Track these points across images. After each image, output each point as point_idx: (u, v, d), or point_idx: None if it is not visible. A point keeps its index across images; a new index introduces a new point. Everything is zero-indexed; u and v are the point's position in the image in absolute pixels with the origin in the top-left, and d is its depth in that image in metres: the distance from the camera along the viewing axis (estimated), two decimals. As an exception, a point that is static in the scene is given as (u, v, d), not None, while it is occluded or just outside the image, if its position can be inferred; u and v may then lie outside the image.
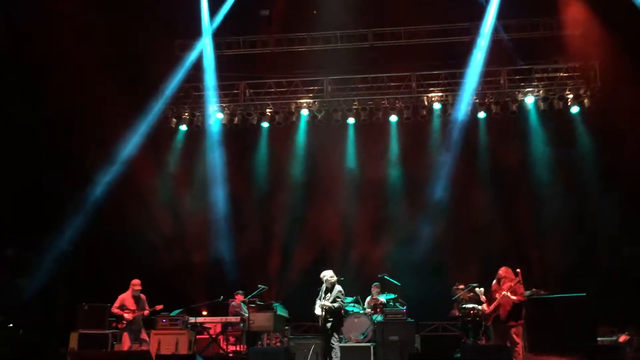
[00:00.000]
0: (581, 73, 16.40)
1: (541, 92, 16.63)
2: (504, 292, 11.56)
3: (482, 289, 12.43)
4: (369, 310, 14.42)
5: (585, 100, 16.26)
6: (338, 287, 11.89)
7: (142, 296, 12.87)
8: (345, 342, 13.44)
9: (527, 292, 11.83)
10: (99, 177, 15.94)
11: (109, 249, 16.00)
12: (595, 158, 16.02)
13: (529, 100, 16.70)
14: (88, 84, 14.42)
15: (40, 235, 15.21)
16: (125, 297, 12.74)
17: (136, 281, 12.87)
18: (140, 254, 16.07)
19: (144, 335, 12.74)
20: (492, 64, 16.54)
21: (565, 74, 16.58)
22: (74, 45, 14.27)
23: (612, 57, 15.31)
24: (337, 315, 11.82)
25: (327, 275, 11.96)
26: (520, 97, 16.76)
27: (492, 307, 11.76)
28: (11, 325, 14.55)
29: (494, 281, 12.08)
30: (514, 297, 11.56)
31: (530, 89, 16.66)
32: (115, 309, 12.68)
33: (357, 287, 15.42)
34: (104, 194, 15.87)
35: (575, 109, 16.45)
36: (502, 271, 11.99)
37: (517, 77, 16.75)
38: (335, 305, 11.79)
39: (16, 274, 14.72)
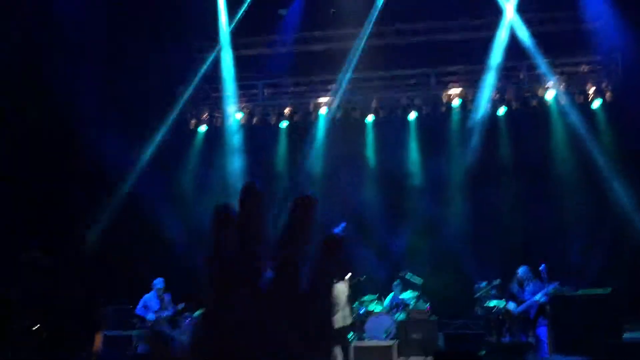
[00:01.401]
0: (603, 66, 16.22)
1: (562, 86, 16.47)
2: (536, 298, 11.52)
3: None
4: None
5: (607, 94, 16.06)
6: None
7: (166, 296, 12.90)
8: (368, 341, 13.40)
9: (551, 289, 11.74)
10: (120, 177, 16.02)
11: (132, 249, 16.06)
12: (617, 152, 15.81)
13: (550, 95, 16.54)
14: (103, 85, 14.47)
15: (61, 238, 15.31)
16: (149, 298, 12.79)
17: (159, 280, 12.90)
18: (163, 255, 16.13)
19: (167, 336, 12.79)
20: (512, 59, 16.43)
21: (586, 67, 16.41)
22: (86, 47, 14.33)
23: (634, 48, 15.13)
24: None
25: None
26: (540, 92, 16.60)
27: (521, 309, 11.70)
28: (34, 328, 14.66)
29: (515, 281, 12.03)
30: (543, 300, 11.53)
31: (550, 84, 16.50)
32: (138, 310, 12.74)
33: (379, 285, 15.38)
34: (126, 195, 15.93)
35: (596, 103, 16.26)
36: (523, 272, 11.95)
37: (537, 72, 16.59)
38: None
39: (37, 278, 14.82)
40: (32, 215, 14.50)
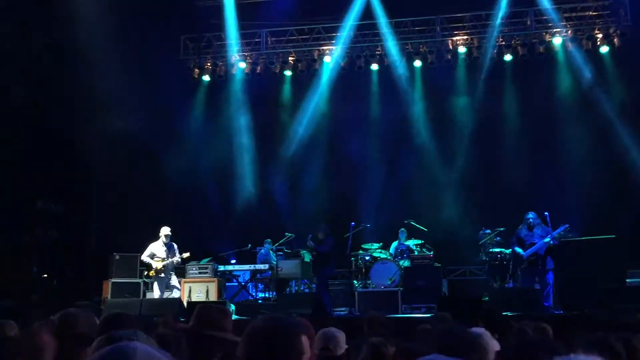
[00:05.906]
0: (611, 11, 15.95)
1: (569, 32, 16.23)
2: (546, 240, 11.57)
3: None
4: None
5: (615, 40, 15.83)
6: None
7: (174, 244, 13.00)
8: (373, 288, 13.57)
9: (556, 235, 11.81)
10: (126, 127, 15.98)
11: (138, 198, 16.14)
12: (625, 98, 15.68)
13: (557, 41, 16.32)
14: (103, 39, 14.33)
15: (69, 186, 15.40)
16: (156, 246, 12.89)
17: (166, 229, 12.97)
18: (170, 204, 16.24)
19: (175, 283, 12.93)
20: (518, 4, 16.16)
21: (594, 13, 16.14)
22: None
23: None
24: (321, 260, 12.75)
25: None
26: (547, 38, 16.38)
27: (529, 253, 11.76)
28: (45, 275, 14.89)
29: (525, 226, 12.05)
30: (552, 243, 11.61)
31: (557, 30, 16.26)
32: (144, 257, 12.87)
33: (384, 233, 15.48)
34: (132, 144, 15.92)
35: (604, 49, 16.04)
36: (532, 216, 11.98)
37: (544, 17, 16.32)
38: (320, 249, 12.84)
39: (46, 226, 14.96)
40: (44, 164, 14.56)
